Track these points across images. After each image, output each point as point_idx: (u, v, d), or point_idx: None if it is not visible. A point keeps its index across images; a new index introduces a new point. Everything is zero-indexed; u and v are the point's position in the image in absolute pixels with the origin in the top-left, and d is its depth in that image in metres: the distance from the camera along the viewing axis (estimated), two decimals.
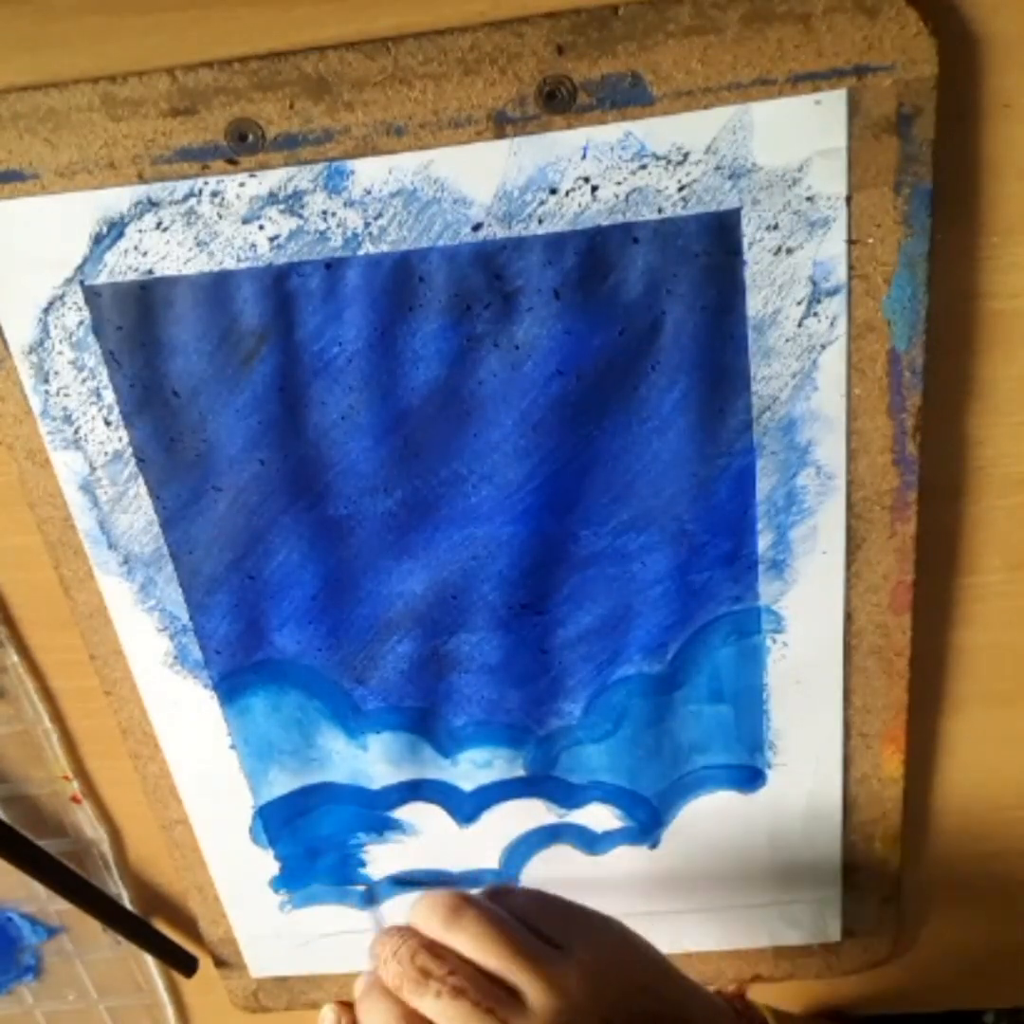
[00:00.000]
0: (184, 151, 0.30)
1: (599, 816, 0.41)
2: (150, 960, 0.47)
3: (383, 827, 0.42)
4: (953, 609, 0.38)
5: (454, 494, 0.35)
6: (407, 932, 0.33)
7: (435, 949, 0.32)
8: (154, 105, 0.30)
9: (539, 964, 0.31)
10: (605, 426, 0.34)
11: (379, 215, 0.31)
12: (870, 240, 0.31)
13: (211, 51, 0.30)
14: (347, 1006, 0.47)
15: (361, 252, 0.31)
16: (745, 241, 0.31)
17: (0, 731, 0.42)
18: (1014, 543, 0.36)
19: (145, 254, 0.32)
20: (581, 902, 0.35)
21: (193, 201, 0.31)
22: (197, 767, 0.41)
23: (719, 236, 0.31)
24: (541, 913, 0.34)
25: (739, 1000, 0.41)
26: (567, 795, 0.41)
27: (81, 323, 0.33)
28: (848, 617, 0.36)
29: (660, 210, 0.30)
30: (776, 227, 0.31)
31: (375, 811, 0.42)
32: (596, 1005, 0.32)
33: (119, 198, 0.31)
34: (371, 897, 0.44)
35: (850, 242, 0.31)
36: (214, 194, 0.31)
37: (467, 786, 0.41)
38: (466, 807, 0.41)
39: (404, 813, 0.42)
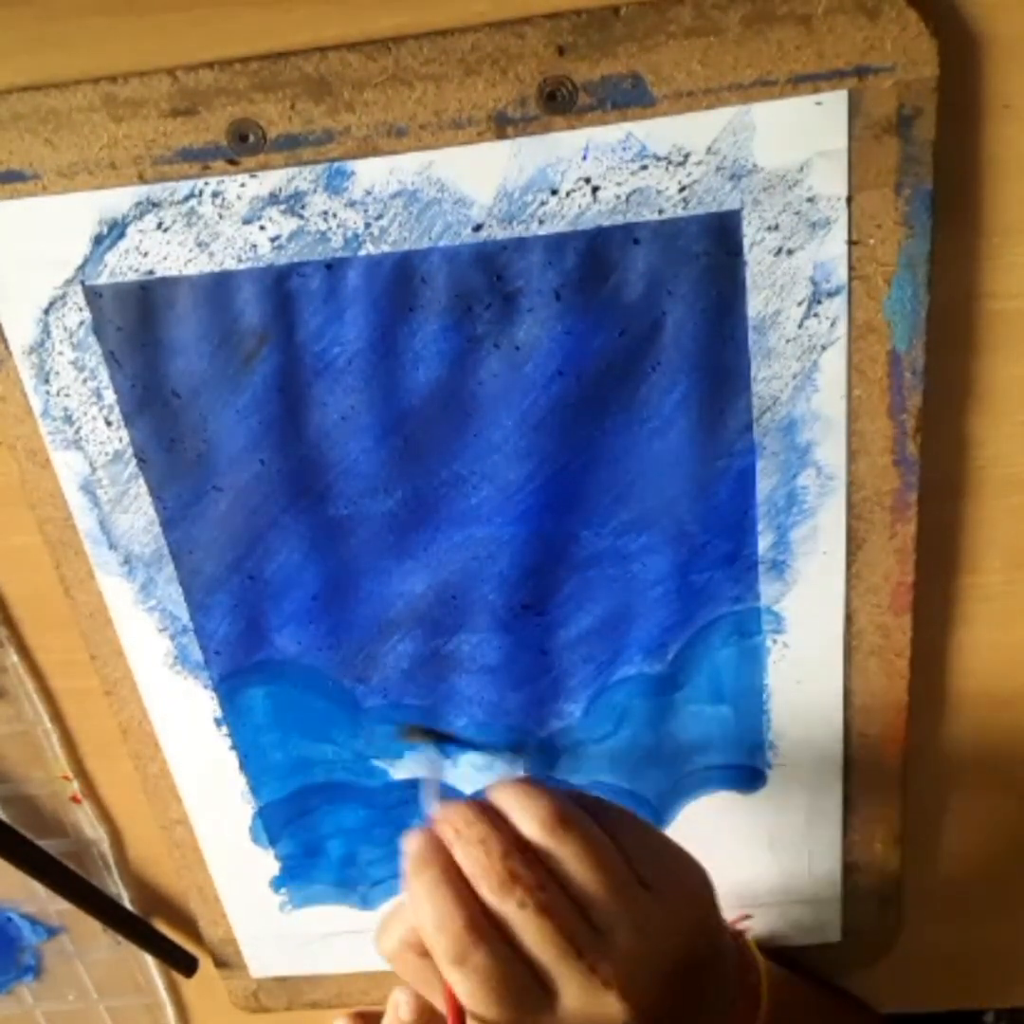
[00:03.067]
0: (185, 151, 0.30)
1: None
2: (150, 960, 0.47)
3: (384, 827, 0.42)
4: (953, 609, 0.38)
5: (455, 495, 0.35)
6: (498, 820, 0.31)
7: (528, 854, 0.30)
8: (155, 105, 0.30)
9: (631, 905, 0.30)
10: (606, 427, 0.34)
11: (380, 216, 0.31)
12: (871, 241, 0.31)
13: (212, 52, 0.30)
14: (362, 1017, 0.45)
15: (362, 253, 0.31)
16: (746, 242, 0.31)
17: (0, 731, 0.42)
18: (1015, 543, 0.36)
19: (146, 254, 0.32)
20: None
21: (194, 201, 0.31)
22: (197, 767, 0.41)
23: (720, 237, 0.31)
24: (638, 846, 0.32)
25: (738, 938, 0.41)
26: None
27: (82, 323, 0.33)
28: (848, 618, 0.36)
29: (661, 211, 0.30)
30: (777, 228, 0.31)
31: (375, 811, 0.42)
32: (672, 951, 0.31)
33: (120, 198, 0.31)
34: (371, 898, 0.44)
35: (851, 243, 0.31)
36: (215, 194, 0.31)
37: (468, 787, 0.41)
38: None
39: (405, 814, 0.42)
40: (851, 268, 0.31)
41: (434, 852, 0.31)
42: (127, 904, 0.46)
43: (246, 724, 0.40)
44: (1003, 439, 0.35)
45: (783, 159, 0.30)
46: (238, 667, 0.39)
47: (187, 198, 0.31)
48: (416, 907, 0.31)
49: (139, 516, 0.36)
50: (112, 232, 0.32)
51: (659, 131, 0.30)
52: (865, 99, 0.29)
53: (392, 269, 0.32)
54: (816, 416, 0.33)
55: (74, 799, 0.44)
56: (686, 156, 0.30)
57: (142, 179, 0.31)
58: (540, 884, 0.30)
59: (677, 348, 0.32)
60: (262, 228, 0.31)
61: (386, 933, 0.34)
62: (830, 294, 0.31)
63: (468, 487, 0.35)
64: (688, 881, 0.33)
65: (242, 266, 0.32)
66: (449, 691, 0.39)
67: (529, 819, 0.31)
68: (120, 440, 0.35)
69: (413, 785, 0.41)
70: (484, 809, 0.31)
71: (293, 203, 0.31)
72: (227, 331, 0.33)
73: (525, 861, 0.30)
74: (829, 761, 0.39)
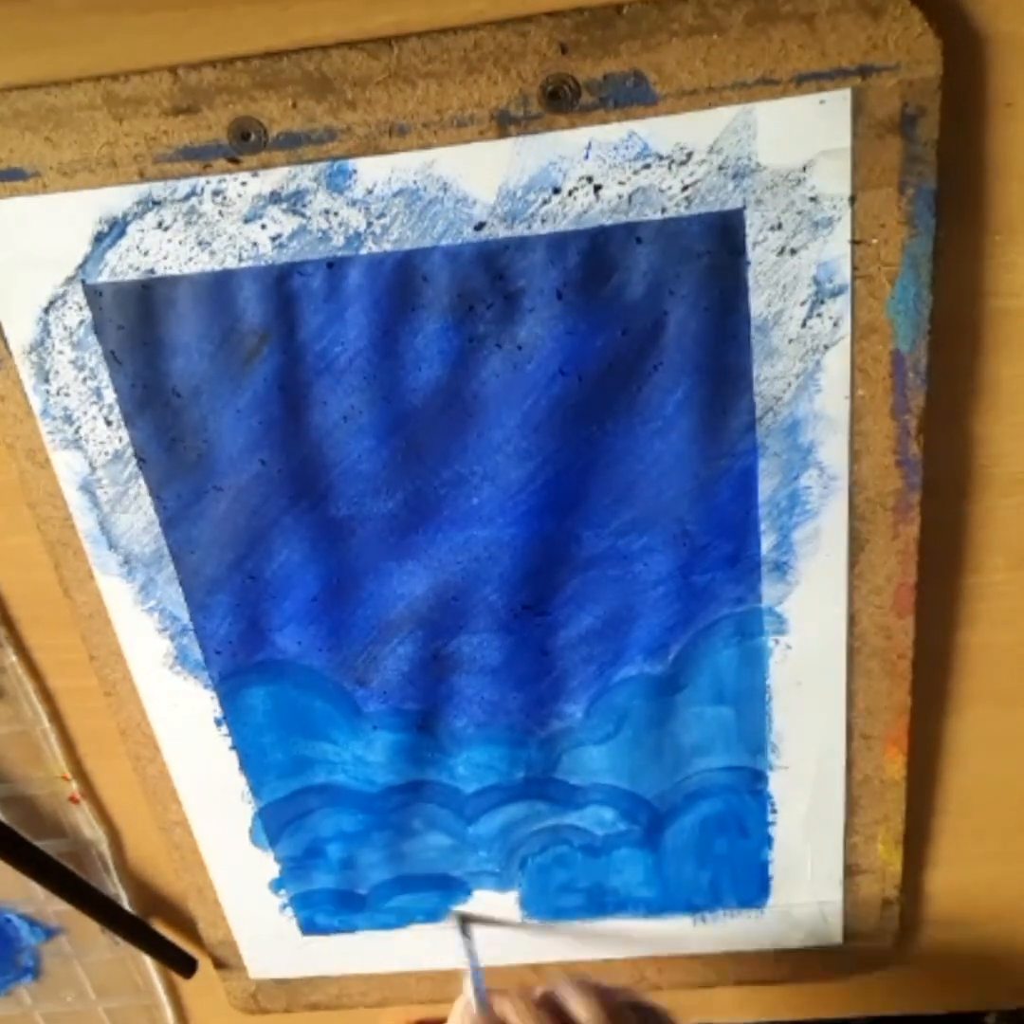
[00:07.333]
0: (186, 150, 0.30)
1: (600, 818, 0.41)
2: (149, 961, 0.47)
3: (384, 829, 0.42)
4: (956, 609, 0.38)
5: (456, 495, 0.35)
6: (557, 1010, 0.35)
7: None
8: (156, 104, 0.30)
9: None
10: (607, 427, 0.34)
11: (382, 214, 0.31)
12: (874, 240, 0.31)
13: (213, 49, 0.30)
14: None
15: (363, 251, 0.31)
16: (748, 241, 0.31)
17: None
18: (1018, 543, 0.36)
19: (146, 253, 0.32)
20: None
21: (195, 200, 0.31)
22: (197, 768, 0.41)
23: (722, 236, 0.31)
24: None
25: None
26: (568, 797, 0.41)
27: (82, 322, 0.33)
28: (851, 619, 0.36)
29: (663, 210, 0.30)
30: (780, 227, 0.30)
31: (376, 813, 0.41)
32: None
33: (121, 197, 0.31)
34: (371, 899, 0.44)
35: (854, 242, 0.31)
36: (216, 193, 0.31)
37: (468, 788, 0.41)
38: (467, 809, 0.41)
39: (405, 815, 0.42)
40: (854, 268, 0.31)
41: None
42: (126, 905, 0.46)
43: (246, 724, 0.40)
44: (1006, 438, 0.35)
45: (786, 158, 0.30)
46: (238, 667, 0.38)
47: (188, 196, 0.31)
48: None
49: (139, 516, 0.36)
50: (113, 230, 0.31)
51: (662, 130, 0.29)
52: (868, 98, 0.29)
53: (394, 268, 0.31)
54: (819, 416, 0.33)
55: (73, 799, 0.43)
56: (689, 155, 0.30)
57: (143, 177, 0.31)
58: None
59: (679, 348, 0.32)
60: (263, 227, 0.31)
61: None
62: (833, 294, 0.31)
63: (469, 487, 0.35)
64: None
65: (243, 265, 0.32)
66: (449, 692, 0.39)
67: (586, 1014, 0.35)
68: (120, 440, 0.35)
69: (413, 787, 0.41)
70: (546, 999, 0.36)
71: (294, 201, 0.31)
72: (228, 330, 0.32)
73: None
74: (831, 763, 0.39)
